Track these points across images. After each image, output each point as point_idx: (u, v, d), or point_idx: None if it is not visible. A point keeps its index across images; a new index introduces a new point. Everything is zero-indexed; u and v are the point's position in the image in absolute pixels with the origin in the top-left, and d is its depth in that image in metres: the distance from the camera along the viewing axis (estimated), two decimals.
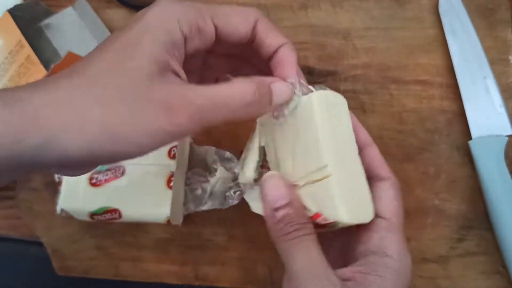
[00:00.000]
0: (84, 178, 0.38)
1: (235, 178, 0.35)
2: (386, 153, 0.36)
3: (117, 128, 0.22)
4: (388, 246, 0.27)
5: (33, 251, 0.45)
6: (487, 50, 0.38)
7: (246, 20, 0.27)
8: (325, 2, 0.42)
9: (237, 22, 0.27)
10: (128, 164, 0.38)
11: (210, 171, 0.38)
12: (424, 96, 0.39)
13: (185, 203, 0.39)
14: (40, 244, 0.43)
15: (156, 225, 0.41)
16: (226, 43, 0.27)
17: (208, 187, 0.38)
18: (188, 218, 0.40)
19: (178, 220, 0.39)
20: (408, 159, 0.39)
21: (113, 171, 0.37)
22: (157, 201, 0.36)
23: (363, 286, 0.25)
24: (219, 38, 0.26)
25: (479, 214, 0.37)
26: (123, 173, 0.37)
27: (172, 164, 0.37)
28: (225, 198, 0.37)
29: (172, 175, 0.37)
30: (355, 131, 0.29)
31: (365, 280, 0.26)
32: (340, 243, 0.31)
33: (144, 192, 0.37)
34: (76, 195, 0.37)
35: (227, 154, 0.38)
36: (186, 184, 0.40)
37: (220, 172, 0.37)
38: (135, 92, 0.22)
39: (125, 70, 0.23)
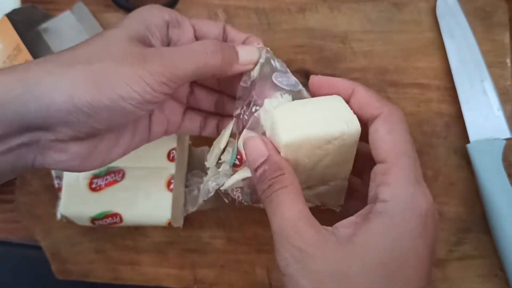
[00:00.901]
0: (83, 183, 0.38)
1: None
2: None
3: (98, 77, 0.24)
4: (382, 190, 0.24)
5: (32, 255, 0.45)
6: (484, 53, 0.38)
7: (217, 24, 0.31)
8: (322, 5, 0.42)
9: (210, 23, 0.31)
10: (127, 167, 0.38)
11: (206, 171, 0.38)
12: (422, 99, 0.39)
13: (184, 205, 0.39)
14: (39, 247, 0.43)
15: (155, 228, 0.41)
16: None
17: (201, 186, 0.38)
18: (187, 221, 0.40)
19: (179, 223, 0.39)
20: None
21: (112, 175, 0.38)
22: (158, 204, 0.37)
23: (353, 236, 0.23)
24: (196, 37, 0.31)
25: (477, 217, 0.38)
26: (123, 177, 0.37)
27: (171, 166, 0.37)
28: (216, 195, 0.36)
29: (172, 178, 0.37)
30: (333, 86, 0.29)
31: (356, 229, 0.24)
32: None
33: (144, 196, 0.37)
34: (76, 200, 0.37)
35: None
36: (186, 186, 0.40)
37: (212, 170, 0.37)
38: (116, 49, 0.26)
39: (108, 36, 0.26)
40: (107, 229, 0.41)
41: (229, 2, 0.44)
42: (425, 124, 0.39)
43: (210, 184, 0.31)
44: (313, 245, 0.23)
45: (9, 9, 0.40)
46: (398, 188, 0.24)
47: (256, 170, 0.27)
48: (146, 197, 0.37)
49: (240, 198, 0.31)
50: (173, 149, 0.37)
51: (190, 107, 0.34)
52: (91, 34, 0.42)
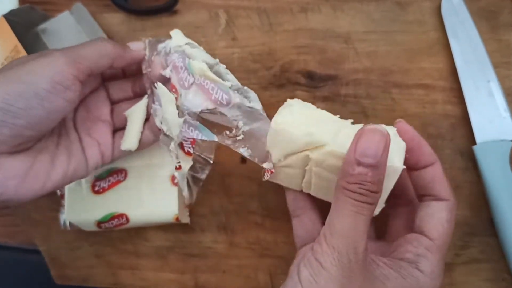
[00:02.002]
0: (86, 187, 0.37)
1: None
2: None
3: (10, 71, 0.28)
4: (423, 262, 0.28)
5: (31, 259, 0.44)
6: (490, 53, 0.38)
7: (107, 56, 0.33)
8: (325, 5, 0.41)
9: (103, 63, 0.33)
10: (129, 167, 0.37)
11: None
12: (427, 100, 0.39)
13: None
14: (38, 252, 0.42)
15: (155, 232, 0.40)
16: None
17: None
18: (188, 225, 0.40)
19: (186, 219, 0.38)
20: None
21: (115, 175, 0.37)
22: (164, 200, 0.36)
23: (383, 277, 0.27)
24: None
25: (483, 220, 0.37)
26: (125, 177, 0.37)
27: (174, 161, 0.36)
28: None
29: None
30: (419, 148, 0.30)
31: (389, 273, 0.27)
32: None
33: (149, 193, 0.36)
34: (80, 205, 0.37)
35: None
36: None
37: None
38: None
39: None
40: (107, 233, 0.40)
41: (230, 2, 0.43)
42: (430, 126, 0.38)
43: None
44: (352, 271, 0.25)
45: (6, 10, 0.39)
46: (436, 268, 0.28)
47: (359, 164, 0.25)
48: (151, 194, 0.36)
49: (197, 134, 0.32)
50: None
51: (120, 128, 0.36)
52: (89, 34, 0.41)
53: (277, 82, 0.41)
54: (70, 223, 0.39)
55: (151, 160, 0.37)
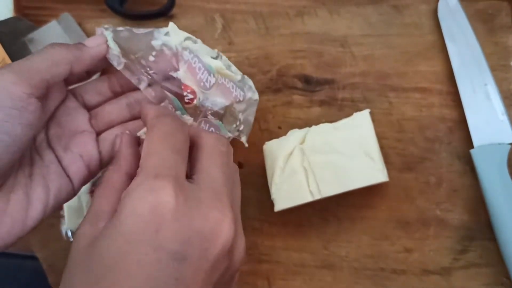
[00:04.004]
0: (84, 193, 0.37)
1: None
2: (386, 162, 0.35)
3: None
4: (127, 190, 0.24)
5: (29, 266, 0.44)
6: (487, 56, 0.37)
7: (62, 62, 0.28)
8: (321, 9, 0.41)
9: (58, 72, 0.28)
10: None
11: None
12: (424, 104, 0.39)
13: None
14: (36, 258, 0.42)
15: None
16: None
17: None
18: None
19: None
20: (408, 168, 0.38)
21: None
22: None
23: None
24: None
25: (481, 224, 0.37)
26: None
27: None
28: None
29: None
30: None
31: None
32: None
33: None
34: (80, 213, 0.37)
35: None
36: None
37: None
38: None
39: None
40: None
41: (226, 6, 0.43)
42: (428, 130, 0.38)
43: None
44: None
45: None
46: (131, 187, 0.23)
47: None
48: None
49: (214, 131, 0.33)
50: None
51: (102, 131, 0.32)
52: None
53: (274, 86, 0.41)
54: (72, 232, 0.38)
55: None
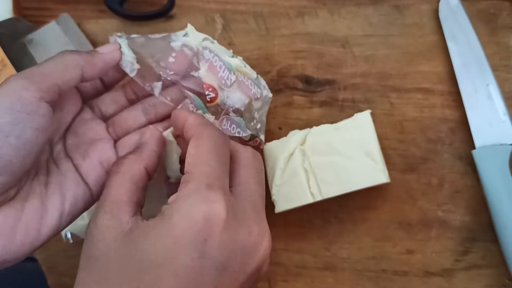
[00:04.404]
0: None
1: None
2: (387, 163, 0.35)
3: None
4: (180, 195, 0.25)
5: (29, 267, 0.44)
6: (489, 56, 0.37)
7: (73, 67, 0.28)
8: (322, 9, 0.41)
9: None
10: None
11: None
12: (426, 104, 0.38)
13: None
14: (35, 260, 0.42)
15: None
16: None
17: None
18: None
19: None
20: (410, 169, 0.38)
21: None
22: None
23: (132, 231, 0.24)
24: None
25: (483, 225, 0.37)
26: None
27: None
28: None
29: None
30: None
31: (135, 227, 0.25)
32: None
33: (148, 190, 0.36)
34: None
35: None
36: None
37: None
38: None
39: None
40: None
41: (226, 6, 0.43)
42: (429, 130, 0.38)
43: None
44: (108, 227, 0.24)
45: None
46: (183, 193, 0.24)
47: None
48: (151, 188, 0.36)
49: (236, 129, 0.33)
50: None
51: (119, 138, 0.33)
52: (76, 44, 0.41)
53: (275, 87, 0.40)
54: (71, 234, 0.38)
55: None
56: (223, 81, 0.32)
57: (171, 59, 0.32)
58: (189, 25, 0.33)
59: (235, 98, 0.33)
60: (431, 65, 0.39)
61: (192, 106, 0.32)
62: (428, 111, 0.38)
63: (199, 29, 0.42)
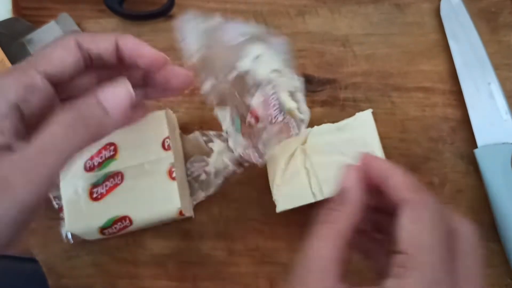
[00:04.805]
0: (84, 196, 0.36)
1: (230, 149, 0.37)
2: None
3: None
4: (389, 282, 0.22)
5: (28, 268, 0.44)
6: (490, 55, 0.37)
7: (108, 39, 0.27)
8: (322, 8, 0.41)
9: (99, 39, 0.27)
10: (125, 168, 0.37)
11: (208, 153, 0.39)
12: (427, 103, 0.38)
13: (192, 193, 0.39)
14: (35, 261, 0.42)
15: (154, 240, 0.40)
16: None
17: (211, 167, 0.38)
18: (186, 233, 0.39)
19: (190, 212, 0.38)
20: (412, 168, 0.38)
21: (111, 180, 0.37)
22: (165, 195, 0.35)
23: None
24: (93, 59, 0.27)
25: (485, 225, 0.36)
26: (122, 179, 0.36)
27: (169, 155, 0.36)
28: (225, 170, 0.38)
29: (172, 166, 0.36)
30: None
31: None
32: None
33: (148, 191, 0.36)
34: (81, 215, 0.36)
35: (211, 133, 0.39)
36: (188, 175, 0.39)
37: (217, 146, 0.38)
38: None
39: None
40: (104, 241, 0.40)
41: (226, 6, 0.43)
42: (431, 130, 0.38)
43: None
44: None
45: None
46: (403, 282, 0.21)
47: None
48: (151, 192, 0.36)
49: (257, 158, 0.34)
50: (166, 138, 0.36)
51: None
52: None
53: None
54: (72, 235, 0.38)
55: (146, 158, 0.37)
56: (270, 118, 0.33)
57: (230, 76, 0.32)
58: (262, 50, 0.32)
59: (273, 135, 0.34)
60: (432, 64, 0.39)
61: (231, 123, 0.34)
62: (429, 110, 0.38)
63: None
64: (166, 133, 0.36)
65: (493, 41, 0.38)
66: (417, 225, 0.22)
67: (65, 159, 0.24)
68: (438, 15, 0.39)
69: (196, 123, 0.40)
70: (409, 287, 0.21)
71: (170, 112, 0.39)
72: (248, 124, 0.33)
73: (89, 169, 0.36)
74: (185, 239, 0.40)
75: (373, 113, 0.34)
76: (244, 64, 0.32)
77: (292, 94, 0.34)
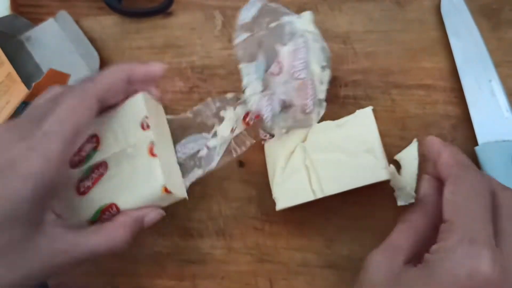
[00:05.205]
0: (71, 191, 0.36)
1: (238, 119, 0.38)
2: (390, 161, 0.35)
3: None
4: (435, 246, 0.25)
5: None
6: (491, 52, 0.37)
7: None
8: (322, 5, 0.40)
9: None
10: (108, 157, 0.35)
11: (208, 128, 0.38)
12: (428, 101, 0.38)
13: (186, 173, 0.37)
14: None
15: (153, 238, 0.40)
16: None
17: (216, 139, 0.38)
18: (185, 231, 0.39)
19: (182, 193, 0.37)
20: None
21: (96, 171, 0.36)
22: (147, 174, 0.34)
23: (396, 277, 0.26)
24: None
25: None
26: (106, 168, 0.35)
27: (147, 134, 0.34)
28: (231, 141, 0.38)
29: (152, 143, 0.34)
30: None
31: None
32: None
33: (132, 174, 0.35)
34: (69, 212, 0.36)
35: (229, 94, 0.38)
36: (179, 157, 0.38)
37: (229, 113, 0.38)
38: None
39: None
40: None
41: (225, 3, 0.43)
42: (432, 127, 0.38)
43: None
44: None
45: None
46: (447, 246, 0.25)
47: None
48: (134, 174, 0.34)
49: (267, 116, 0.35)
50: (145, 117, 0.34)
51: None
52: (74, 42, 0.41)
53: None
54: None
55: (127, 142, 0.35)
56: (292, 70, 0.34)
57: (285, 49, 0.35)
58: (308, 13, 0.37)
59: (287, 91, 0.34)
60: (433, 61, 0.39)
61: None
62: (430, 108, 0.38)
63: (198, 25, 0.42)
64: (143, 112, 0.34)
65: (494, 38, 0.38)
66: (455, 196, 0.26)
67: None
68: (439, 12, 0.39)
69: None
70: (451, 247, 0.24)
71: (148, 95, 0.37)
72: (271, 73, 0.34)
73: (74, 165, 0.36)
74: (184, 238, 0.39)
75: (373, 110, 0.34)
76: (289, 18, 0.35)
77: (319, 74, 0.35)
